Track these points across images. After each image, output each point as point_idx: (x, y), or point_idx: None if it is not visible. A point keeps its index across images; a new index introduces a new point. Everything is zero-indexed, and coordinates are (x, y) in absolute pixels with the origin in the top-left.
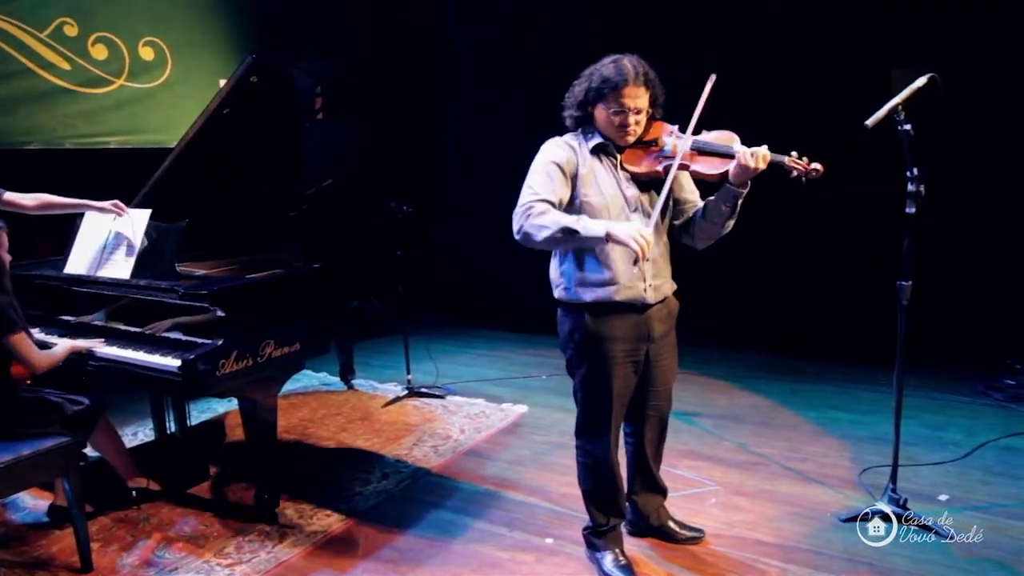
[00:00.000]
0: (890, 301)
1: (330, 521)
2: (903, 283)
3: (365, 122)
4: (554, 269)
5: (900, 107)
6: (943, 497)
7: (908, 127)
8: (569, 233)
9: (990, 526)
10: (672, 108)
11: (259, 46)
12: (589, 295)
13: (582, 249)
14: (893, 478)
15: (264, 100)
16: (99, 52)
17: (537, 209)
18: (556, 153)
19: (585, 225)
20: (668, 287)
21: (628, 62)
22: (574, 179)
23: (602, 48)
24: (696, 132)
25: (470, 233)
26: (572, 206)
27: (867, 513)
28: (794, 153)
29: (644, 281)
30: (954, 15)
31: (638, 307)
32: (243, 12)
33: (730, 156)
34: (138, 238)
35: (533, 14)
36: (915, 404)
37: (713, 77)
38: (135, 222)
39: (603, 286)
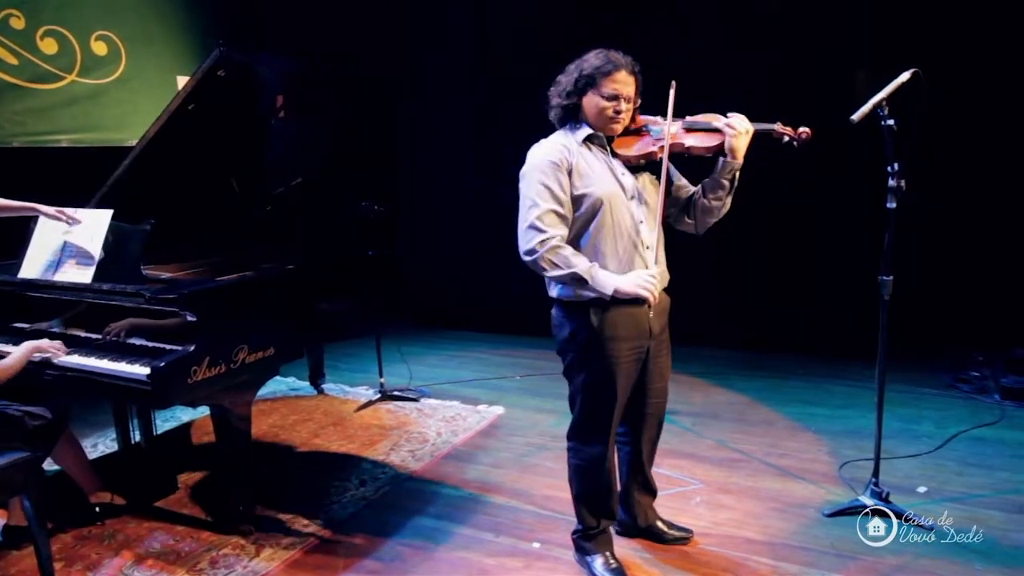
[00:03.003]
0: (860, 296)
1: (309, 531)
2: (884, 278)
3: (334, 120)
4: None
5: (884, 102)
6: (921, 489)
7: (891, 122)
8: (578, 281)
9: (969, 517)
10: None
11: (218, 40)
12: (592, 292)
13: (579, 241)
14: (875, 472)
15: (231, 96)
16: (48, 46)
17: (553, 240)
18: (548, 152)
19: (595, 278)
20: (666, 278)
21: (616, 52)
22: (570, 174)
23: (563, 47)
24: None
25: (439, 233)
26: (573, 201)
27: (850, 507)
28: (779, 123)
29: (646, 268)
30: (927, 12)
31: (641, 299)
32: (199, 5)
33: (718, 129)
34: (99, 240)
35: (495, 14)
36: (886, 398)
37: (674, 84)
38: (96, 223)
39: None
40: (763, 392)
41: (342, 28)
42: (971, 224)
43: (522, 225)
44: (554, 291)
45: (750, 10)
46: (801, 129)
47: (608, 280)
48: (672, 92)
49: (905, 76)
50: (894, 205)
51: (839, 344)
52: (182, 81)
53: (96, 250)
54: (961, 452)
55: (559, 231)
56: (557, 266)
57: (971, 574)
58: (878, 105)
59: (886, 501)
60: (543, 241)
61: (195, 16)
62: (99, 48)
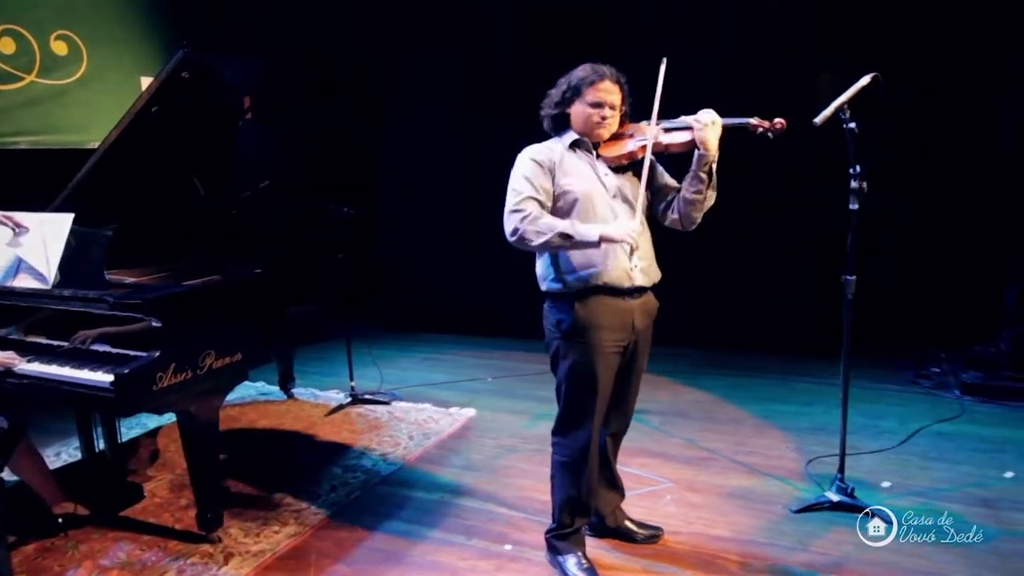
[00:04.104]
0: (822, 295)
1: (278, 538)
2: (848, 277)
3: (305, 122)
4: (541, 263)
5: (845, 105)
6: (886, 484)
7: (853, 125)
8: (564, 238)
9: (932, 510)
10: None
11: (184, 41)
12: (578, 281)
13: None
14: (840, 468)
15: (196, 98)
16: (6, 46)
17: (532, 213)
18: (532, 153)
19: (578, 231)
20: (654, 272)
21: (602, 64)
22: (553, 172)
23: (550, 50)
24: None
25: (412, 235)
26: (555, 197)
27: (816, 503)
28: (755, 117)
29: (629, 261)
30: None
31: (625, 291)
32: (164, 5)
33: (691, 127)
34: (60, 245)
35: (478, 19)
36: (851, 394)
37: (664, 60)
38: (56, 227)
39: (589, 268)
40: (730, 390)
41: (316, 28)
42: (931, 225)
43: (505, 213)
44: (544, 284)
45: (719, 17)
46: (776, 120)
47: (591, 229)
48: (662, 69)
49: (865, 80)
50: (856, 206)
51: (804, 342)
52: (146, 82)
53: (57, 255)
54: (923, 447)
55: (535, 206)
56: (541, 233)
57: (934, 567)
58: (840, 108)
59: (851, 497)
60: (523, 217)
61: (159, 16)
62: (59, 48)
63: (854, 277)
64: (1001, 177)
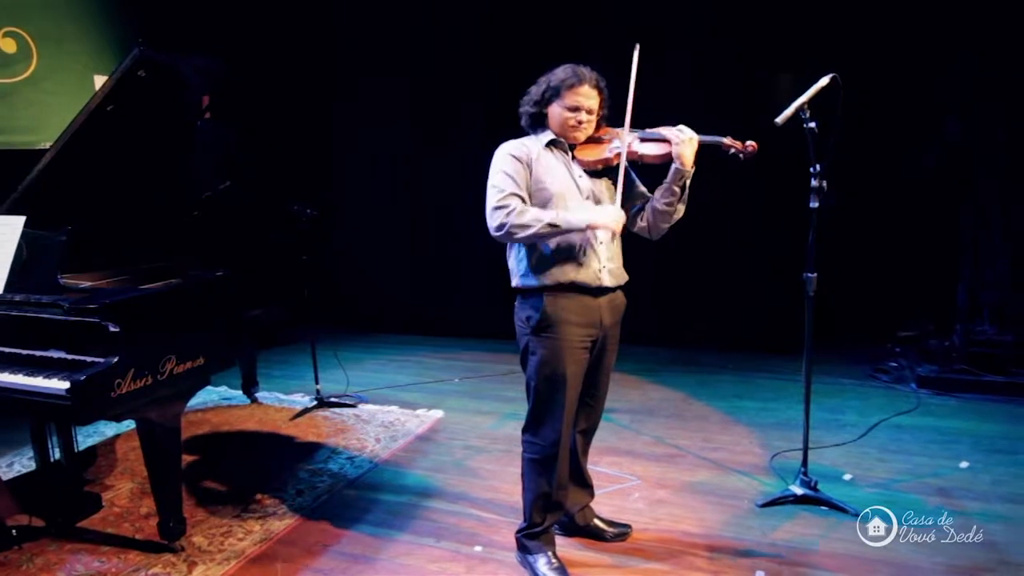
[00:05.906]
0: (785, 293)
1: (244, 545)
2: (809, 275)
3: (264, 122)
4: (512, 259)
5: (805, 106)
6: (847, 477)
7: (813, 125)
8: (551, 227)
9: (891, 502)
10: None
11: (139, 38)
12: (547, 278)
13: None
14: (804, 462)
15: (152, 97)
16: None
17: (516, 207)
18: (510, 148)
19: (565, 219)
20: (621, 274)
21: (583, 68)
22: (530, 168)
23: (496, 55)
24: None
25: (376, 236)
26: (530, 195)
27: (781, 497)
28: (729, 137)
29: (599, 262)
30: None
31: (593, 290)
32: (118, 1)
33: (668, 140)
34: (11, 248)
35: (432, 17)
36: (812, 389)
37: (637, 47)
38: (7, 230)
39: (560, 266)
40: (696, 388)
41: (272, 27)
42: (889, 222)
43: (488, 209)
44: (515, 280)
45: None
46: (748, 143)
47: (577, 216)
48: (635, 55)
49: (824, 81)
50: (816, 205)
51: (766, 339)
52: (100, 81)
53: (7, 259)
54: (882, 440)
55: (518, 201)
56: (528, 225)
57: (893, 557)
58: (800, 108)
59: (814, 490)
60: (508, 212)
61: (114, 12)
62: (7, 46)
63: (815, 274)
64: (958, 178)
